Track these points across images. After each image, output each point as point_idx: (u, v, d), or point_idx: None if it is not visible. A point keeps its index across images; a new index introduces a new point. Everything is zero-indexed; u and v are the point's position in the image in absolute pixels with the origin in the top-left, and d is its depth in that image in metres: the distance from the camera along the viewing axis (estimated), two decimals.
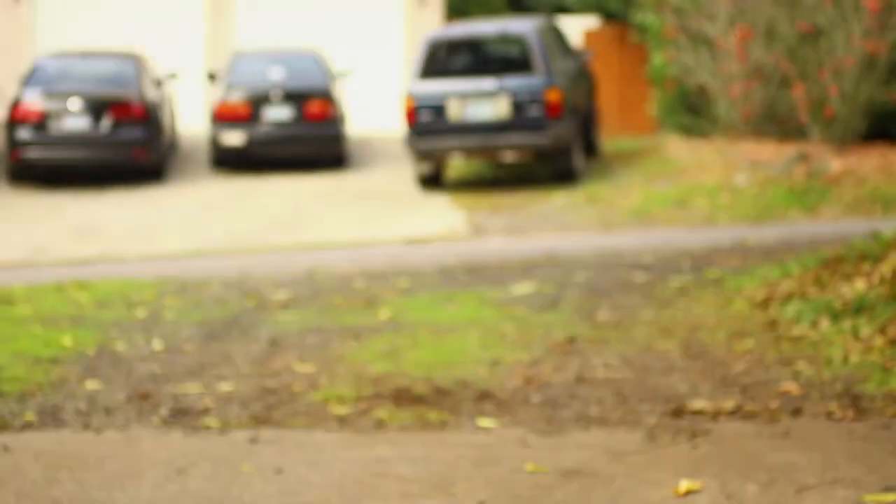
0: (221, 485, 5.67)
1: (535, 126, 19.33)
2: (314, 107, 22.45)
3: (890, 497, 5.37)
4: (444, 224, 17.32)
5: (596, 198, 18.90)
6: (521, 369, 7.72)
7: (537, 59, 19.65)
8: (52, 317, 9.54)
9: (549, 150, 19.64)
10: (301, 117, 22.36)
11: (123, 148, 20.98)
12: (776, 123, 21.26)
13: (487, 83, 19.67)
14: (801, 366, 7.60)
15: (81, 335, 8.82)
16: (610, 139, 25.98)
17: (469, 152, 19.71)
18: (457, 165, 21.34)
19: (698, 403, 6.87)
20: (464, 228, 16.96)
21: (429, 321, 9.22)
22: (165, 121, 22.39)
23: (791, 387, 7.17)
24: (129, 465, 5.99)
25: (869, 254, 9.26)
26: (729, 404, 6.84)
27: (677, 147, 21.99)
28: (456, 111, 19.46)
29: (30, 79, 21.70)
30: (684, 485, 5.51)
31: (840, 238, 13.13)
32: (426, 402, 7.00)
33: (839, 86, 19.81)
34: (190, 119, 26.03)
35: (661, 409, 6.83)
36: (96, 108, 21.02)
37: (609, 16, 30.36)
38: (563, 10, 32.62)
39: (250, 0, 29.08)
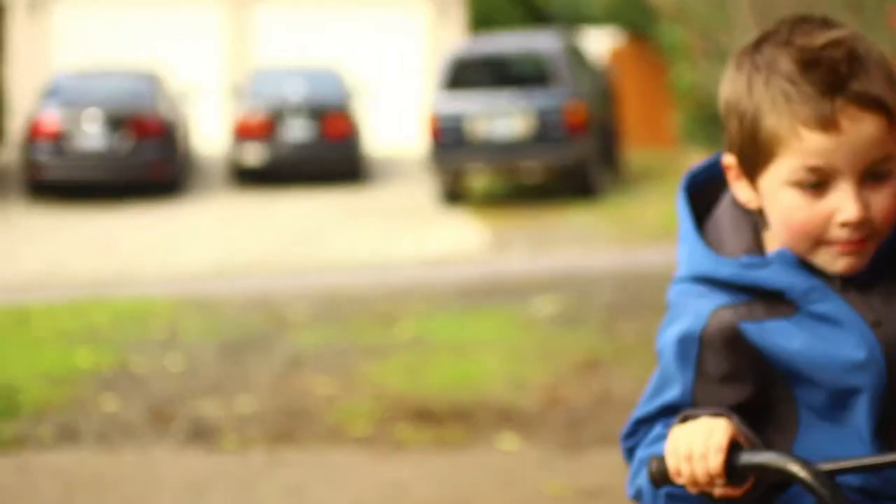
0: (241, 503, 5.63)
1: (557, 142, 19.32)
2: (333, 122, 22.49)
3: None
4: (464, 241, 17.27)
5: (618, 214, 18.85)
6: (543, 389, 7.65)
7: (560, 75, 19.64)
8: (69, 335, 9.50)
9: (572, 167, 19.62)
10: (320, 133, 22.41)
11: (141, 165, 21.02)
12: None
13: (510, 100, 19.67)
14: None
15: (99, 354, 8.78)
16: (632, 155, 25.93)
17: (491, 169, 19.71)
18: (478, 181, 21.32)
19: None
20: (485, 245, 16.92)
21: (449, 339, 9.16)
22: (183, 137, 22.45)
23: None
24: (147, 485, 5.95)
25: None
26: None
27: (700, 162, 21.94)
28: (478, 128, 19.45)
29: (48, 96, 21.77)
30: None
31: None
32: (446, 422, 6.93)
33: None
34: (208, 135, 26.10)
35: None
36: (114, 125, 21.08)
37: (630, 26, 30.33)
38: (583, 21, 32.57)
39: (269, 16, 29.16)
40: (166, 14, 28.80)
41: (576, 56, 21.03)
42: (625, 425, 2.22)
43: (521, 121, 19.47)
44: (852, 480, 2.08)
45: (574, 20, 32.75)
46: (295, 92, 23.04)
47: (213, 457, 6.41)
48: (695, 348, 2.11)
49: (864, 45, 2.05)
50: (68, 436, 6.79)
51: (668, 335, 2.16)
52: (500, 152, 19.41)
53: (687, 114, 23.86)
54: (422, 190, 21.15)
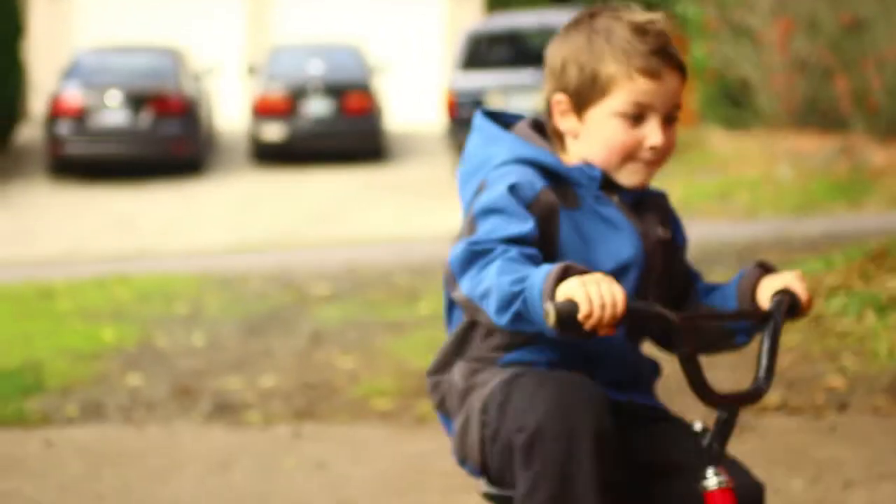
0: (264, 479, 5.67)
1: None
2: (353, 100, 22.48)
3: None
4: None
5: None
6: None
7: None
8: (93, 312, 9.56)
9: None
10: (340, 111, 22.40)
11: (163, 142, 21.08)
12: (818, 116, 21.14)
13: (528, 76, 19.65)
14: (847, 360, 7.54)
15: (122, 330, 8.84)
16: None
17: None
18: None
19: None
20: None
21: None
22: (204, 115, 22.47)
23: (837, 381, 7.11)
24: (171, 459, 6.00)
25: None
26: (774, 399, 6.79)
27: (719, 140, 21.91)
28: (497, 104, 19.46)
29: (69, 73, 21.82)
30: None
31: (885, 231, 13.01)
32: None
33: (882, 78, 19.67)
34: (229, 112, 26.11)
35: None
36: (135, 102, 21.12)
37: (647, 3, 30.23)
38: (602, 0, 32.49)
39: None
40: None
41: None
42: (454, 254, 2.72)
43: (540, 97, 19.48)
44: (522, 356, 2.81)
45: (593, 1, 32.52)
46: (315, 69, 23.04)
47: (237, 432, 6.46)
48: (530, 196, 2.78)
49: (668, 25, 2.93)
50: (93, 411, 6.85)
51: (500, 188, 2.76)
52: None
53: (706, 91, 23.82)
54: (442, 166, 21.15)
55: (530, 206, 2.76)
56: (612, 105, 2.84)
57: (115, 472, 5.82)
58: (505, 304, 2.60)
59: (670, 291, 3.03)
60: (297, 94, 22.35)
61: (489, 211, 2.73)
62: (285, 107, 22.26)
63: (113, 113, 21.04)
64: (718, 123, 23.38)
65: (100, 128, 21.00)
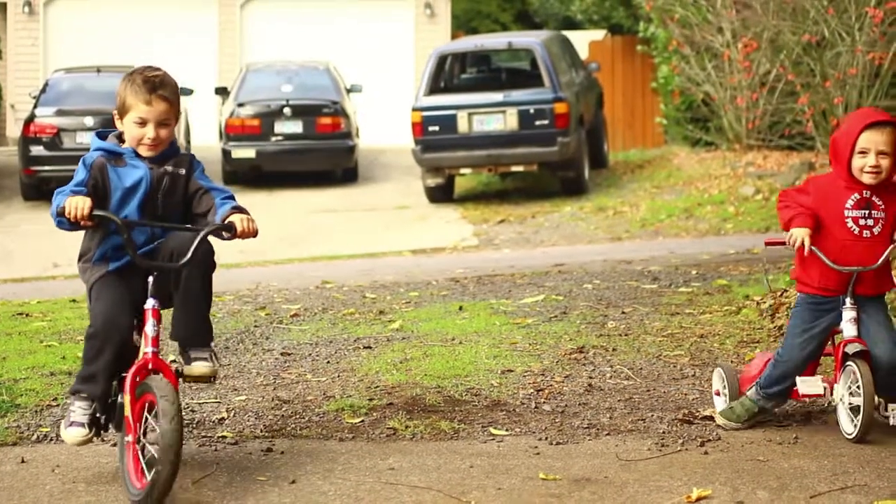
0: (236, 495, 5.72)
1: (542, 139, 19.40)
2: (325, 121, 22.53)
3: None
4: (453, 235, 17.38)
5: (604, 208, 18.96)
6: (532, 378, 7.78)
7: (544, 72, 19.72)
8: (67, 331, 9.59)
9: (558, 163, 19.71)
10: (312, 131, 22.44)
11: None
12: (781, 134, 21.33)
13: (495, 96, 19.74)
14: None
15: None
16: (617, 150, 26.00)
17: (477, 165, 19.77)
18: (465, 177, 21.39)
19: (708, 410, 6.92)
20: (473, 239, 17.03)
21: (440, 331, 9.27)
22: (177, 135, 22.48)
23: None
24: None
25: None
26: None
27: (684, 158, 22.05)
28: (464, 124, 19.52)
29: (43, 95, 21.81)
30: (695, 492, 5.56)
31: None
32: (438, 412, 7.04)
33: (843, 96, 19.86)
34: (202, 133, 26.11)
35: (670, 416, 6.88)
36: (109, 124, 21.14)
37: (616, 29, 30.41)
38: (572, 24, 32.63)
39: (262, 16, 29.19)
40: (161, 14, 28.83)
41: (562, 52, 21.12)
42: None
43: (507, 117, 19.55)
44: (103, 249, 5.95)
45: (562, 24, 32.71)
46: (287, 90, 23.08)
47: (210, 448, 6.52)
48: (89, 164, 5.82)
49: (168, 77, 5.91)
50: None
51: (80, 163, 5.83)
52: (486, 149, 19.50)
53: (671, 110, 23.98)
54: (413, 186, 21.24)
55: (91, 164, 5.78)
56: (130, 118, 5.84)
57: (90, 490, 5.86)
58: (55, 215, 5.65)
59: (199, 206, 5.96)
60: (268, 115, 22.40)
61: (77, 172, 5.76)
62: (256, 128, 22.31)
63: (86, 135, 21.05)
64: (683, 142, 23.55)
65: (74, 149, 21.01)
